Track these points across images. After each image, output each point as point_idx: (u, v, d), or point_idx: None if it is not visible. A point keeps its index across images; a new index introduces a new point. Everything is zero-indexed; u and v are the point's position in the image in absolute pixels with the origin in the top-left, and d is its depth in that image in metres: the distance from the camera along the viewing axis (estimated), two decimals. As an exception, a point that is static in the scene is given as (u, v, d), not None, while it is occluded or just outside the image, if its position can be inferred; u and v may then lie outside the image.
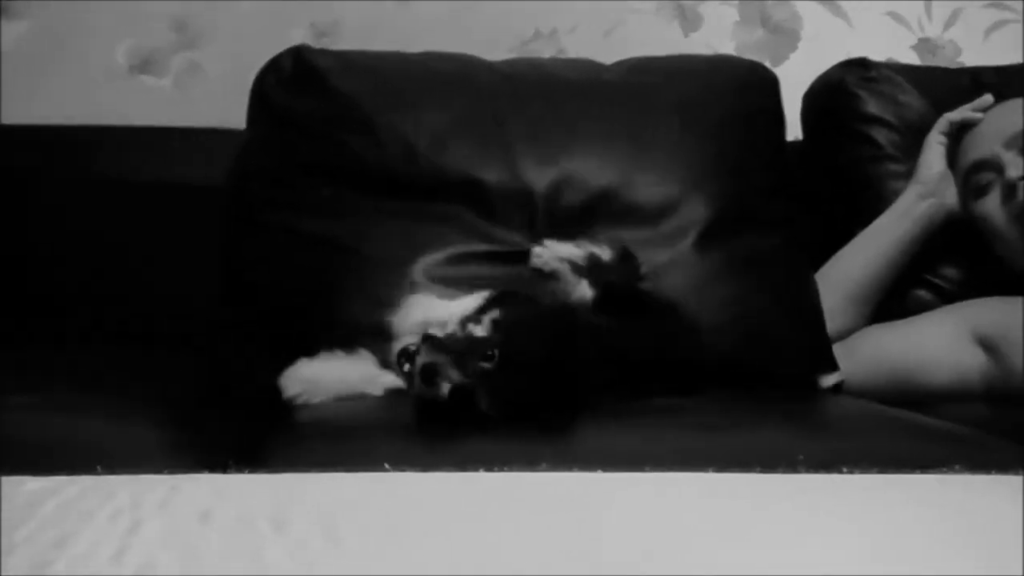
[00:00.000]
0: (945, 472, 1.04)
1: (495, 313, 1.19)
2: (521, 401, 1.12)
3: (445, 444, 1.13)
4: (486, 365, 1.13)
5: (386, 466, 1.01)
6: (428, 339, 1.15)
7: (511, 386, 1.13)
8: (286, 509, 0.84)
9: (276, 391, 1.42)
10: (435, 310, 1.31)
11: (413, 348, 1.18)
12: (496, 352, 1.14)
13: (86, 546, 0.76)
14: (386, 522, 0.83)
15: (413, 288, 1.39)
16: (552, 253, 1.49)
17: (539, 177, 1.63)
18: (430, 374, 1.12)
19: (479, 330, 1.17)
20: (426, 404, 1.17)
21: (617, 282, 1.42)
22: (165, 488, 0.88)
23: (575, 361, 1.19)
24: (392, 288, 1.51)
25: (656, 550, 0.79)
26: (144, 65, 2.14)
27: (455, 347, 1.13)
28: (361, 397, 1.34)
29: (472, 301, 1.31)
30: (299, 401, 1.33)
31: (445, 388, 1.12)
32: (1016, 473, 1.01)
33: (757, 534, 0.83)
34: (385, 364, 1.35)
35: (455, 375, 1.12)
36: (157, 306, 1.80)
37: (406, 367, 1.19)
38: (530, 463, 1.01)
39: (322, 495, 0.90)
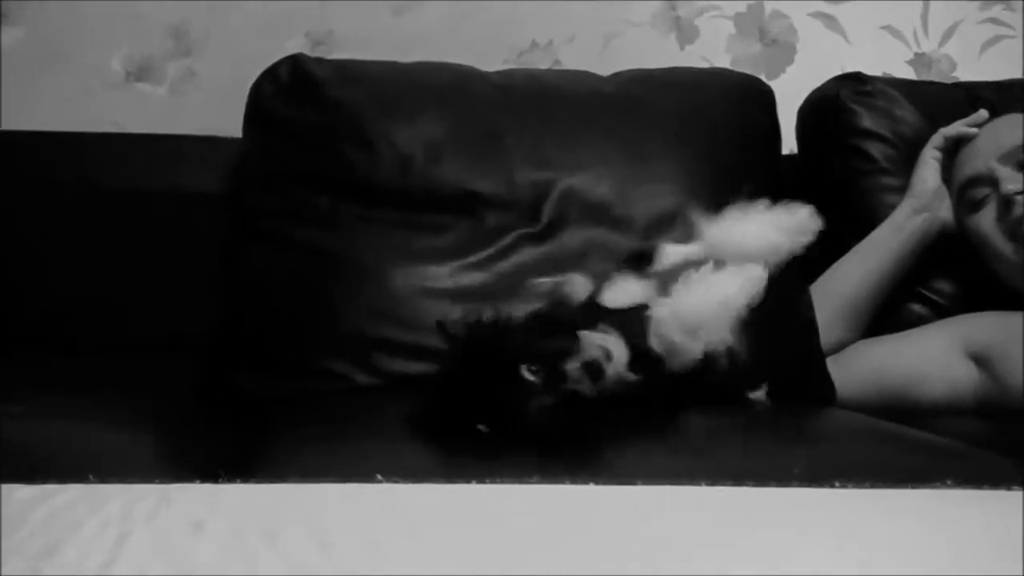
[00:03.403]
0: (938, 487, 1.04)
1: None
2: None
3: (438, 454, 1.13)
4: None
5: (378, 477, 1.01)
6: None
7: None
8: (278, 520, 0.83)
9: (268, 400, 1.42)
10: None
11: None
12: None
13: (76, 555, 0.75)
14: (379, 534, 0.83)
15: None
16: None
17: (536, 189, 1.63)
18: (597, 372, 1.13)
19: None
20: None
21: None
22: (156, 497, 0.87)
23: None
24: (386, 298, 1.52)
25: (647, 564, 0.79)
26: (140, 72, 2.14)
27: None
28: None
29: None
30: None
31: (593, 390, 1.13)
32: (1009, 488, 1.01)
33: (749, 548, 0.83)
34: None
35: (594, 391, 1.13)
36: (151, 314, 1.80)
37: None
38: (520, 476, 1.01)
39: (314, 506, 0.90)
